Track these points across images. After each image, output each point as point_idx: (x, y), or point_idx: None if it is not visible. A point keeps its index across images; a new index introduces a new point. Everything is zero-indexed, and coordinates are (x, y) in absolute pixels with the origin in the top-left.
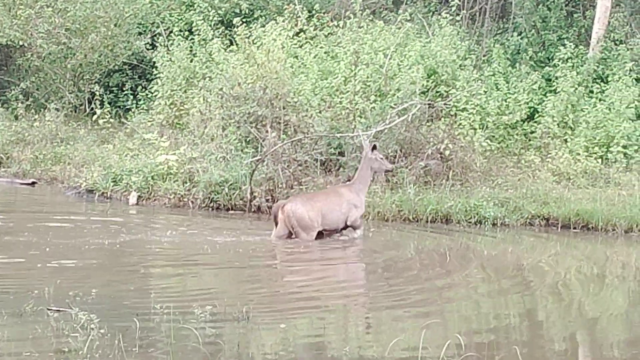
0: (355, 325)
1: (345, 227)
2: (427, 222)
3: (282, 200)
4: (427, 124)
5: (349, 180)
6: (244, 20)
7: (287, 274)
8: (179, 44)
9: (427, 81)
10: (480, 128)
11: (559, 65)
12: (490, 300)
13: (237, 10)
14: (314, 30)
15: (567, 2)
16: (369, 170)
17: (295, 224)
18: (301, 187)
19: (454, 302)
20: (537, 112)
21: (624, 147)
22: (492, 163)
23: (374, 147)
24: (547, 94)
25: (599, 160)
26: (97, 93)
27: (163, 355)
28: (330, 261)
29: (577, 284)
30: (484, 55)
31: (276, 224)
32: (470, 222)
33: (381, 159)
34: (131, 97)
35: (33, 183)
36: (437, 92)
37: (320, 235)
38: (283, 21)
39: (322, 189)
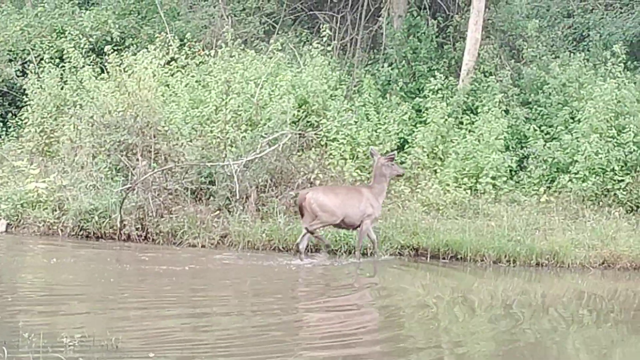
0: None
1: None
2: (297, 251)
3: (304, 190)
4: (298, 153)
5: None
6: (115, 48)
7: (157, 303)
8: (50, 71)
9: (298, 111)
10: (350, 158)
11: (429, 96)
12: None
13: (109, 38)
14: (186, 59)
15: (437, 34)
16: (383, 175)
17: (317, 210)
18: (171, 215)
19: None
20: (407, 142)
21: (493, 178)
22: None
23: (392, 159)
24: (417, 125)
25: (468, 191)
26: None
27: None
28: (196, 292)
29: (443, 310)
30: (355, 86)
31: (302, 215)
32: (341, 252)
33: (392, 164)
34: (0, 124)
35: None
36: (307, 121)
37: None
38: (154, 49)
39: (342, 185)
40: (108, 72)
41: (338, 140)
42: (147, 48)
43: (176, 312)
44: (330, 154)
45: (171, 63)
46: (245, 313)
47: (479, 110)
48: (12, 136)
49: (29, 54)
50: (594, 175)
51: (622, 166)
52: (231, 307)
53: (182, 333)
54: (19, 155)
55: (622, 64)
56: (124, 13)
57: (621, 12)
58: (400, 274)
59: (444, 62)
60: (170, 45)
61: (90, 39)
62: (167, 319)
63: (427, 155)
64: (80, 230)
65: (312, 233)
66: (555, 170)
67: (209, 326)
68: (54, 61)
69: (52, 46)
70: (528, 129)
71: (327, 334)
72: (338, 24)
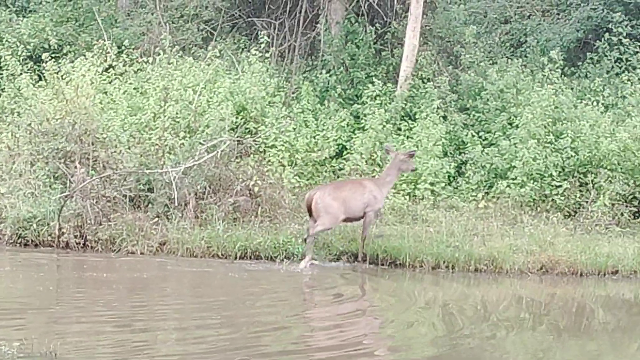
0: None
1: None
2: (236, 258)
3: (312, 190)
4: (236, 160)
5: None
6: (52, 55)
7: (96, 311)
8: None
9: (237, 118)
10: (289, 165)
11: (367, 102)
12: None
13: (46, 46)
14: (124, 66)
15: (375, 40)
16: (397, 170)
17: (321, 210)
18: (110, 223)
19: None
20: (346, 149)
21: (431, 184)
22: (301, 200)
23: (412, 155)
24: (356, 131)
25: (407, 197)
26: None
27: None
28: (135, 300)
29: (382, 316)
30: (293, 92)
31: (310, 215)
32: (279, 259)
33: (409, 159)
34: None
35: None
36: (246, 128)
37: None
38: (92, 57)
39: (349, 179)
40: (46, 80)
41: (276, 147)
42: (84, 55)
43: (115, 320)
44: (269, 161)
45: (109, 70)
46: (185, 320)
47: (417, 116)
48: None
49: None
50: (531, 181)
51: (559, 172)
52: (170, 314)
53: (120, 341)
54: None
55: (559, 70)
56: (61, 20)
57: (558, 18)
58: (341, 280)
59: (382, 68)
60: (108, 53)
61: (28, 47)
62: (106, 326)
63: (366, 161)
64: (19, 238)
65: (311, 236)
66: (494, 176)
67: (147, 332)
68: None
69: None
70: (466, 135)
71: (267, 343)
72: (276, 31)
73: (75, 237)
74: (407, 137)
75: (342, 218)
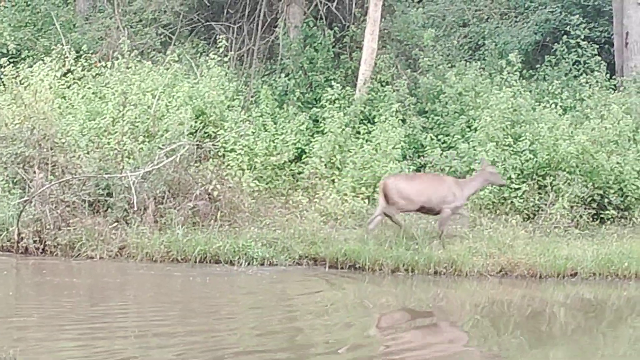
0: None
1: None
2: (195, 262)
3: (386, 176)
4: (196, 164)
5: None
6: (11, 60)
7: (56, 316)
8: None
9: (196, 122)
10: (248, 169)
11: (326, 106)
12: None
13: (4, 51)
14: (82, 70)
15: (334, 44)
16: (483, 179)
17: (395, 195)
18: (69, 228)
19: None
20: (305, 152)
21: None
22: (260, 204)
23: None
24: (315, 135)
25: (366, 201)
26: None
27: None
28: (95, 305)
29: (338, 318)
30: (252, 96)
31: (387, 202)
32: (239, 263)
33: (497, 174)
34: None
35: None
36: (205, 132)
37: None
38: (51, 61)
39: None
40: (4, 85)
41: (235, 151)
42: (43, 60)
43: (75, 325)
44: (228, 165)
45: (68, 75)
46: (145, 325)
47: (376, 119)
48: None
49: None
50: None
51: (518, 174)
52: (131, 319)
53: (81, 346)
54: None
55: (517, 73)
56: (19, 25)
57: (516, 21)
58: (299, 283)
59: (341, 72)
60: (67, 57)
61: None
62: (66, 332)
63: (325, 165)
64: None
65: (390, 217)
66: None
67: (106, 339)
68: None
69: None
70: (425, 138)
71: (227, 346)
72: (235, 35)
73: (35, 242)
74: (366, 141)
75: (418, 206)
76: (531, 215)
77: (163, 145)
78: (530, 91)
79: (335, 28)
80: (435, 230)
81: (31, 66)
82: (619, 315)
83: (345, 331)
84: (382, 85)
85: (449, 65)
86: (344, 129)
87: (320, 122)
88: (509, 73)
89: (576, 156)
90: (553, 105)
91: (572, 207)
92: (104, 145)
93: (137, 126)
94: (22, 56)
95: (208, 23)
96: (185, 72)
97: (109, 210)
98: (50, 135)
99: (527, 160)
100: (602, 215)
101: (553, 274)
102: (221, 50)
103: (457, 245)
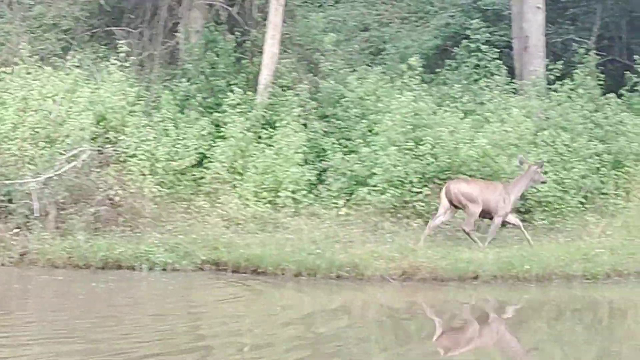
0: None
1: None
2: (97, 268)
3: (449, 181)
4: (97, 170)
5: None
6: None
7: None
8: None
9: (97, 127)
10: (150, 174)
11: (227, 111)
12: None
13: None
14: None
15: (235, 49)
16: (529, 180)
17: (462, 199)
18: None
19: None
20: (207, 157)
21: (293, 192)
22: (162, 209)
23: (541, 165)
24: (216, 140)
25: (268, 205)
26: None
27: None
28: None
29: (244, 324)
30: (154, 101)
31: (452, 205)
32: (141, 268)
33: (540, 172)
34: None
35: None
36: (106, 138)
37: None
38: None
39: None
40: None
41: (137, 156)
42: None
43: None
44: (130, 170)
45: None
46: (47, 331)
47: (277, 124)
48: None
49: None
50: (392, 188)
51: (419, 178)
52: (32, 325)
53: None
54: None
55: (418, 77)
56: None
57: (417, 26)
58: (202, 288)
59: (242, 76)
60: None
61: None
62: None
63: (227, 169)
64: None
65: (468, 234)
66: (354, 183)
67: (9, 346)
68: None
69: None
70: (326, 143)
71: (124, 349)
72: (136, 40)
73: None
74: (268, 145)
75: (480, 206)
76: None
77: (64, 150)
78: (431, 95)
79: (237, 33)
80: (337, 234)
81: None
82: (519, 318)
83: (249, 334)
84: (283, 90)
85: (350, 69)
86: (245, 134)
87: (222, 127)
88: (409, 77)
89: (477, 160)
90: (454, 109)
91: None
92: (4, 151)
93: (38, 132)
94: None
95: (109, 28)
96: (86, 77)
97: (10, 216)
98: None
99: (428, 164)
100: None
101: (455, 278)
102: (122, 55)
103: (359, 249)
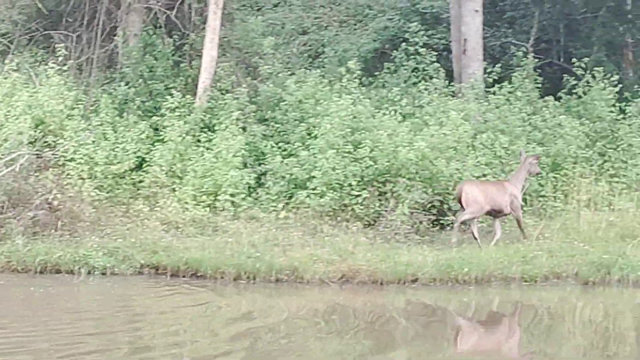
0: None
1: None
2: (36, 272)
3: (461, 182)
4: (35, 174)
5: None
6: None
7: None
8: None
9: (35, 131)
10: (88, 178)
11: (166, 114)
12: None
13: None
14: None
15: (173, 52)
16: (526, 171)
17: (469, 200)
18: None
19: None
20: (146, 161)
21: (232, 195)
22: (101, 213)
23: (537, 157)
24: (155, 143)
25: (207, 209)
26: None
27: None
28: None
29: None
30: (92, 105)
31: (461, 205)
32: (80, 272)
33: (536, 163)
34: None
35: None
36: (45, 142)
37: None
38: None
39: (491, 180)
40: None
41: (75, 160)
42: None
43: None
44: (68, 174)
45: None
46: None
47: (216, 127)
48: None
49: None
50: (331, 191)
51: (358, 181)
52: None
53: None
54: None
55: (357, 80)
56: None
57: (355, 29)
58: (140, 292)
59: (181, 80)
60: None
61: None
62: None
63: (166, 173)
64: None
65: (462, 223)
66: (293, 186)
67: None
68: None
69: None
70: (265, 146)
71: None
72: (74, 44)
73: None
74: (207, 149)
75: (487, 209)
76: (372, 222)
77: (2, 155)
78: (370, 98)
79: (175, 36)
80: (276, 238)
81: None
82: (459, 321)
83: (187, 337)
84: (222, 94)
85: (289, 73)
86: (184, 138)
87: (161, 131)
88: (348, 80)
89: (416, 163)
90: (392, 112)
91: (412, 213)
92: None
93: None
94: None
95: (47, 32)
96: (24, 81)
97: None
98: None
99: (367, 167)
100: (441, 221)
101: (394, 280)
102: (60, 59)
103: (299, 253)
